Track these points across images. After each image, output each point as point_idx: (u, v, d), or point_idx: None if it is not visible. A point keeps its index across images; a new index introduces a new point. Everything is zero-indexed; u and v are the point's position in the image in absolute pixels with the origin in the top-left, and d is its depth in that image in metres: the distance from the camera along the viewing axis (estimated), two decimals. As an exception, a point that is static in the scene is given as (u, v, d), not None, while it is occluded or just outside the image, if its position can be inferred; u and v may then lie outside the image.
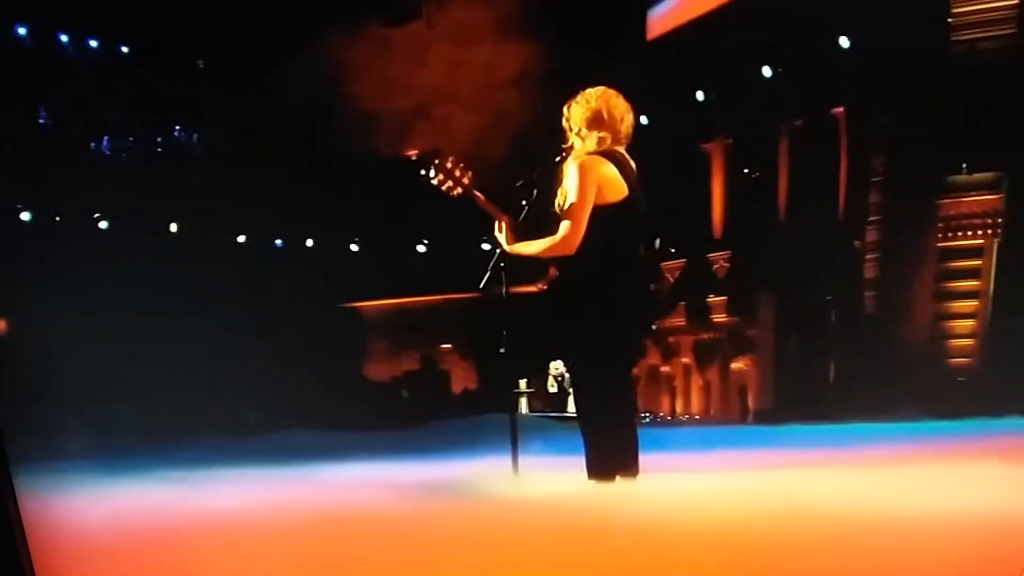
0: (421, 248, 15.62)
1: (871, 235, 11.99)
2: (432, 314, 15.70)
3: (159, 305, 11.83)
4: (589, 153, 3.87)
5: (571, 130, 3.96)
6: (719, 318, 12.33)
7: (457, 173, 4.13)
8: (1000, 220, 11.07)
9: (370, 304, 16.00)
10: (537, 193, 4.05)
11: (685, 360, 13.23)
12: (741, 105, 12.72)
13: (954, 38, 11.28)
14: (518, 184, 4.21)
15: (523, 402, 14.31)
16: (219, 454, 6.82)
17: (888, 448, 6.39)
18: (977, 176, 11.24)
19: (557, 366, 14.58)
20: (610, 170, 3.81)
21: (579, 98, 3.97)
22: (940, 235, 11.45)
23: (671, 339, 13.17)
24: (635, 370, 13.92)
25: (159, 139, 15.20)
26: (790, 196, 12.88)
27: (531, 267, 4.15)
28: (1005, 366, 10.08)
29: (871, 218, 12.02)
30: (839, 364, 11.62)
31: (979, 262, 11.19)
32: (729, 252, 13.06)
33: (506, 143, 12.37)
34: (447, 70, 12.41)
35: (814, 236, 12.33)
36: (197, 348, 11.58)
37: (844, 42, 11.72)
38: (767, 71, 12.28)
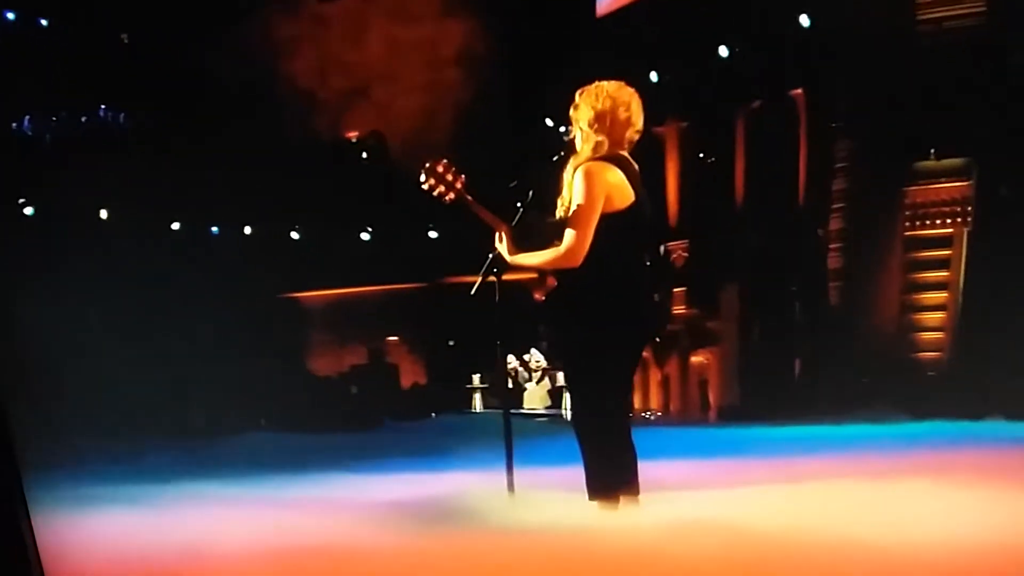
0: (365, 236, 15.22)
1: (835, 223, 11.60)
2: (377, 305, 15.34)
3: (85, 298, 11.20)
4: (592, 158, 3.67)
5: (576, 122, 3.75)
6: (678, 309, 11.89)
7: (449, 177, 3.88)
8: (970, 208, 10.74)
9: (312, 295, 15.64)
10: (532, 195, 3.82)
11: (643, 353, 12.55)
12: (696, 86, 12.44)
13: (920, 16, 10.87)
14: (511, 185, 3.96)
15: (477, 399, 14.10)
16: (175, 465, 6.63)
17: (866, 456, 6.14)
18: (946, 162, 10.87)
19: (512, 361, 14.17)
20: (617, 177, 3.64)
21: (592, 89, 3.76)
22: (907, 224, 11.09)
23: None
24: None
25: (84, 119, 14.31)
26: (748, 182, 12.44)
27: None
28: (977, 360, 9.86)
29: (835, 206, 11.64)
30: (804, 358, 11.20)
31: (948, 252, 10.85)
32: (687, 241, 12.59)
33: (452, 126, 11.85)
34: (387, 48, 11.67)
35: (775, 224, 11.84)
36: (129, 344, 11.05)
37: (804, 20, 11.30)
38: (724, 50, 11.87)
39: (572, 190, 3.64)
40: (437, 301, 14.90)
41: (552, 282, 3.77)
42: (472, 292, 3.91)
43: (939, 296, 10.89)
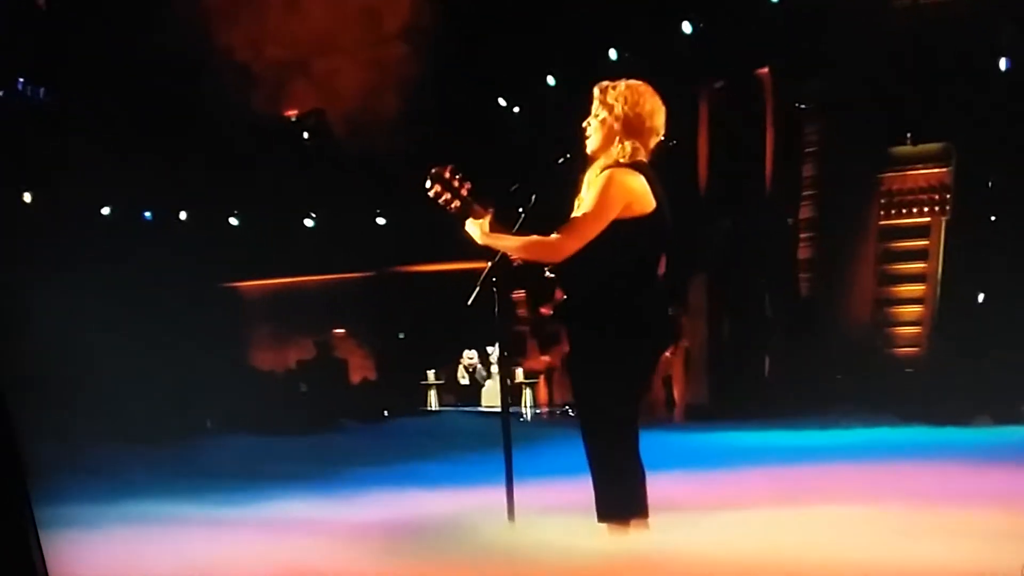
0: (308, 222, 14.48)
1: (805, 212, 11.22)
2: (322, 296, 14.69)
3: (11, 287, 10.17)
4: (625, 164, 3.50)
5: (597, 116, 3.55)
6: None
7: (456, 184, 3.67)
8: (948, 196, 10.42)
9: (253, 284, 14.99)
10: (535, 200, 3.64)
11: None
12: (657, 64, 11.37)
13: (895, -10, 10.55)
14: (512, 188, 3.76)
15: (432, 396, 13.53)
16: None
17: (852, 470, 5.86)
18: (922, 147, 10.57)
19: (471, 355, 13.53)
20: (640, 183, 3.48)
21: (624, 89, 3.57)
22: (882, 212, 10.78)
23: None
24: (549, 359, 13.25)
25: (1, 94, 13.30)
26: (713, 168, 11.84)
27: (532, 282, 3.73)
28: (957, 357, 9.47)
29: (805, 193, 11.21)
30: (775, 355, 10.65)
31: (925, 242, 10.52)
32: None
33: (400, 104, 11.15)
34: (326, 19, 10.91)
35: (742, 212, 11.25)
36: (54, 340, 10.12)
37: (771, -7, 10.78)
38: (687, 26, 11.31)
39: (592, 189, 3.49)
40: (386, 292, 14.35)
41: (559, 295, 3.65)
42: (469, 302, 3.73)
43: (916, 289, 10.60)
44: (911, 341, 10.53)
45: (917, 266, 10.56)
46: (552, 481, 5.09)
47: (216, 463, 7.43)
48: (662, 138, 3.58)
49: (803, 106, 11.22)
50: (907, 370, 10.23)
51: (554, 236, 3.45)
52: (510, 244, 3.61)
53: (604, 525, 3.54)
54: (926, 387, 9.48)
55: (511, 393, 13.29)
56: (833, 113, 10.86)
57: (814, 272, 11.02)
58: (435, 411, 13.43)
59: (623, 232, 3.43)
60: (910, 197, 10.56)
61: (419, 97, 11.26)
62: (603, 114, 3.55)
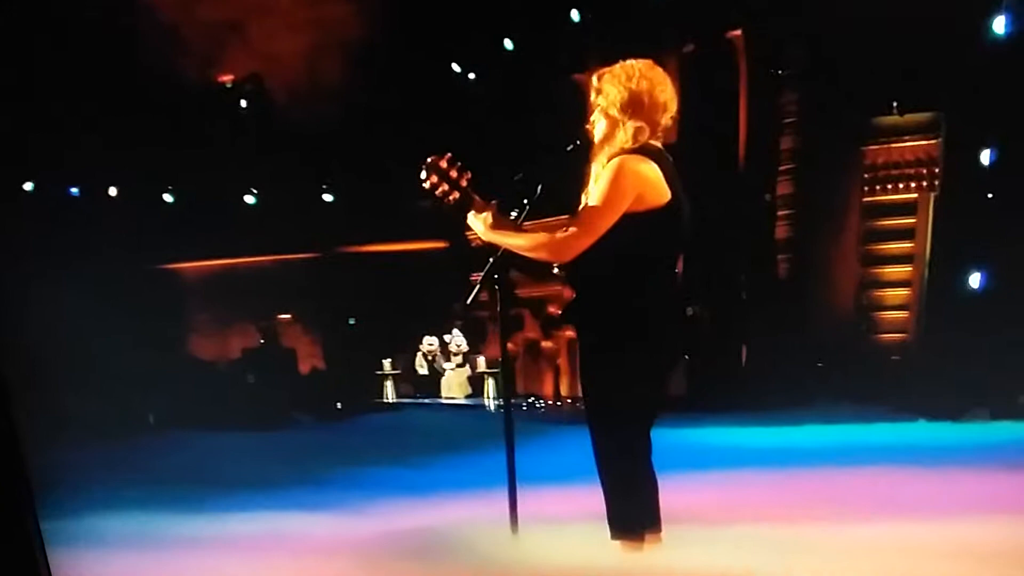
0: (249, 198, 13.79)
1: (783, 188, 10.60)
2: (266, 278, 13.86)
3: None
4: (631, 149, 3.35)
5: (598, 107, 3.43)
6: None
7: (454, 174, 3.52)
8: (937, 170, 9.88)
9: (190, 266, 14.18)
10: (541, 190, 3.50)
11: (570, 334, 11.64)
12: (621, 27, 11.28)
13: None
14: (515, 178, 3.65)
15: (388, 387, 13.13)
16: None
17: (843, 475, 5.61)
18: (910, 117, 10.00)
19: (430, 343, 12.89)
20: (653, 172, 3.31)
21: (617, 70, 3.45)
22: (866, 188, 10.25)
23: (552, 309, 11.56)
24: (514, 346, 12.68)
25: None
26: (682, 140, 10.86)
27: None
28: (947, 344, 8.93)
29: (783, 167, 10.61)
30: (752, 341, 10.02)
31: (912, 220, 10.00)
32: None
33: (342, 69, 10.38)
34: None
35: (715, 189, 10.51)
36: None
37: (743, -50, 10.40)
38: None
39: (600, 179, 3.33)
40: (334, 274, 13.60)
41: (569, 294, 3.52)
42: (468, 301, 3.62)
43: (902, 270, 10.11)
44: (897, 327, 10.06)
45: (903, 246, 10.07)
46: (550, 487, 4.86)
47: (167, 466, 7.08)
48: (673, 115, 3.39)
49: (779, 72, 10.63)
50: (894, 358, 9.76)
51: (563, 233, 3.28)
52: (517, 242, 3.43)
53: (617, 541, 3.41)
54: (915, 377, 9.01)
55: (475, 383, 12.96)
56: (812, 80, 10.32)
57: (793, 253, 10.46)
58: (392, 403, 12.89)
59: (636, 226, 3.24)
60: (896, 171, 10.04)
61: (365, 61, 10.70)
62: (600, 102, 3.44)
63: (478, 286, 3.55)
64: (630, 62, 3.42)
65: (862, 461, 6.05)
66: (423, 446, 7.83)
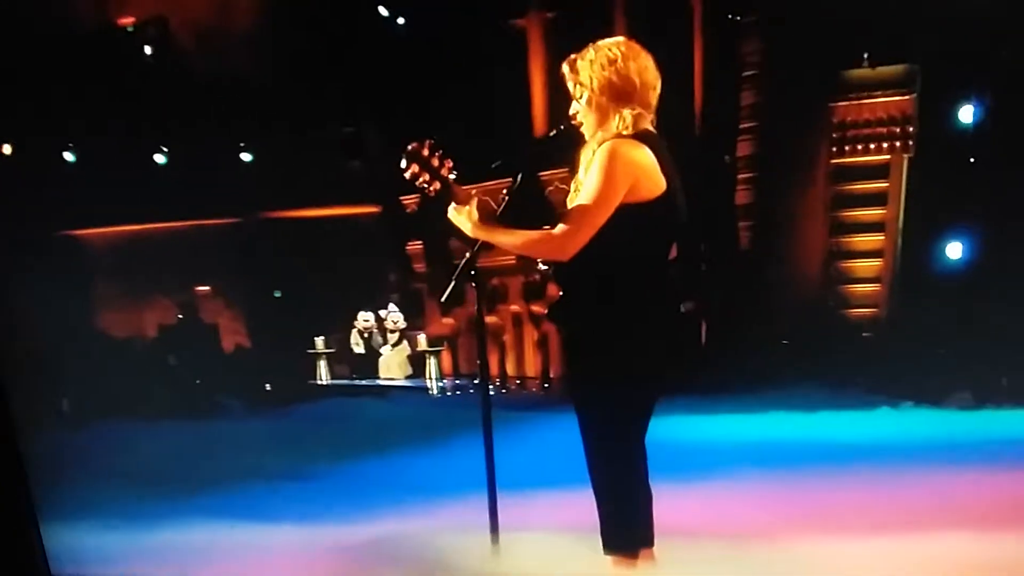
0: (159, 158, 12.92)
1: (743, 148, 9.93)
2: (180, 246, 12.94)
3: None
4: (627, 135, 3.15)
5: (579, 98, 3.22)
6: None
7: (435, 163, 3.33)
8: (911, 129, 9.27)
9: (95, 232, 13.27)
10: (522, 179, 3.32)
11: (515, 308, 11.14)
12: None
13: None
14: (493, 165, 3.54)
15: (322, 367, 12.44)
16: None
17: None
18: (882, 70, 9.35)
19: (366, 319, 12.10)
20: (648, 159, 3.11)
21: (593, 54, 3.22)
22: (834, 149, 9.59)
23: (496, 281, 10.94)
24: (455, 321, 11.99)
25: None
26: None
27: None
28: (923, 319, 8.43)
29: (743, 126, 9.95)
30: (712, 318, 9.41)
31: (885, 184, 9.41)
32: (566, 170, 10.23)
33: (257, 10, 9.42)
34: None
35: (668, 149, 9.67)
36: None
37: None
38: None
39: (590, 168, 3.14)
40: (256, 241, 12.68)
41: (555, 291, 3.35)
42: (443, 298, 3.41)
43: (874, 239, 9.52)
44: (869, 301, 9.49)
45: (875, 212, 9.47)
46: (530, 491, 4.61)
47: (90, 459, 6.51)
48: (658, 91, 3.23)
49: (738, 18, 9.95)
50: (865, 335, 9.20)
51: (558, 230, 3.12)
52: (508, 241, 3.27)
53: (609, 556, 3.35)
54: (889, 356, 8.44)
55: (415, 362, 12.13)
56: (775, 28, 9.65)
57: (754, 220, 9.78)
58: (328, 385, 12.16)
59: (629, 219, 3.10)
60: (867, 130, 9.41)
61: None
62: (584, 93, 3.25)
63: (453, 282, 3.37)
64: (606, 43, 3.25)
65: (844, 460, 5.71)
66: (374, 438, 7.34)
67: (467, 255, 3.32)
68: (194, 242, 12.84)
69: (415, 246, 12.48)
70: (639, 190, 3.09)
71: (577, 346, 3.26)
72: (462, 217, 3.28)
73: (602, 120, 3.21)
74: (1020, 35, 8.22)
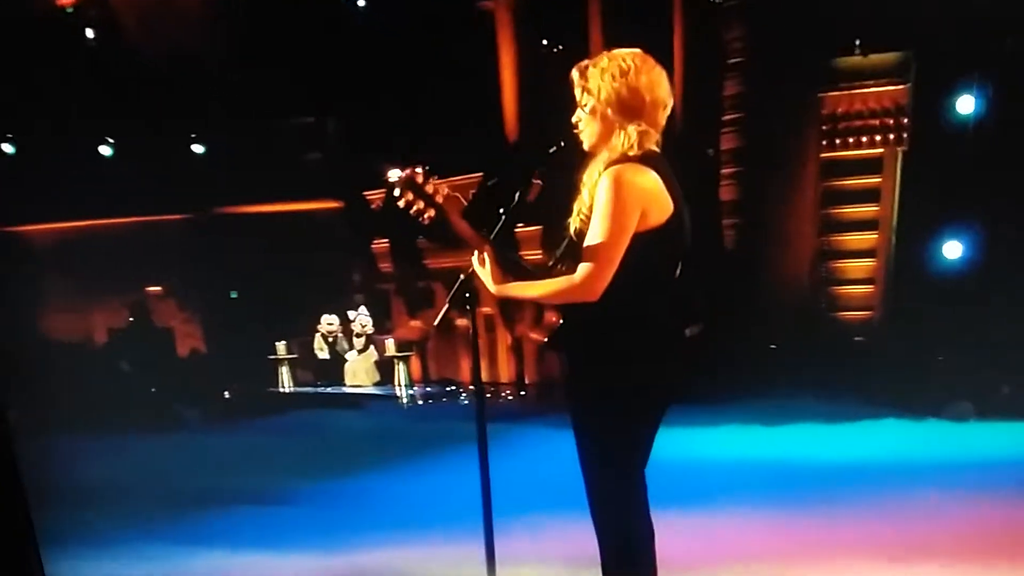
0: (105, 149, 12.49)
1: (728, 141, 9.67)
2: (130, 244, 12.37)
3: None
4: (625, 158, 3.02)
5: (584, 106, 3.10)
6: (531, 254, 9.23)
7: (429, 188, 3.26)
8: (906, 121, 8.97)
9: (39, 229, 12.77)
10: (520, 198, 3.21)
11: (487, 309, 10.51)
12: None
13: None
14: (489, 183, 2.50)
15: (284, 373, 11.98)
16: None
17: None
18: (875, 58, 9.12)
19: (330, 322, 11.61)
20: (655, 183, 3.00)
21: (606, 63, 3.08)
22: (824, 142, 9.38)
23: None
24: (424, 325, 11.48)
25: None
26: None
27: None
28: (918, 323, 8.06)
29: (727, 117, 9.67)
30: (695, 321, 8.65)
31: (878, 179, 9.18)
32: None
33: None
34: None
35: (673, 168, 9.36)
36: None
37: None
38: None
39: (596, 199, 3.03)
40: (210, 238, 12.16)
41: (554, 319, 3.24)
42: (435, 323, 3.53)
43: (867, 238, 9.29)
44: (862, 303, 9.22)
45: (867, 209, 9.25)
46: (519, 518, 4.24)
47: (34, 479, 5.58)
48: (668, 108, 3.10)
49: (720, 1, 9.63)
50: (857, 339, 8.87)
51: (579, 274, 3.00)
52: (532, 294, 3.18)
53: None
54: (884, 362, 8.02)
55: (383, 368, 11.56)
56: (760, 12, 9.33)
57: (740, 218, 9.55)
58: (290, 393, 11.70)
59: (636, 248, 2.99)
60: (858, 122, 9.18)
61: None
62: (590, 101, 3.10)
63: (447, 306, 3.37)
64: (620, 53, 3.12)
65: (840, 482, 5.45)
66: (345, 454, 6.95)
67: (460, 278, 3.28)
68: (144, 240, 12.34)
69: (381, 244, 11.94)
70: (648, 217, 2.98)
71: (580, 374, 3.15)
72: (484, 272, 3.24)
73: (605, 134, 3.10)
74: (1020, 20, 7.88)
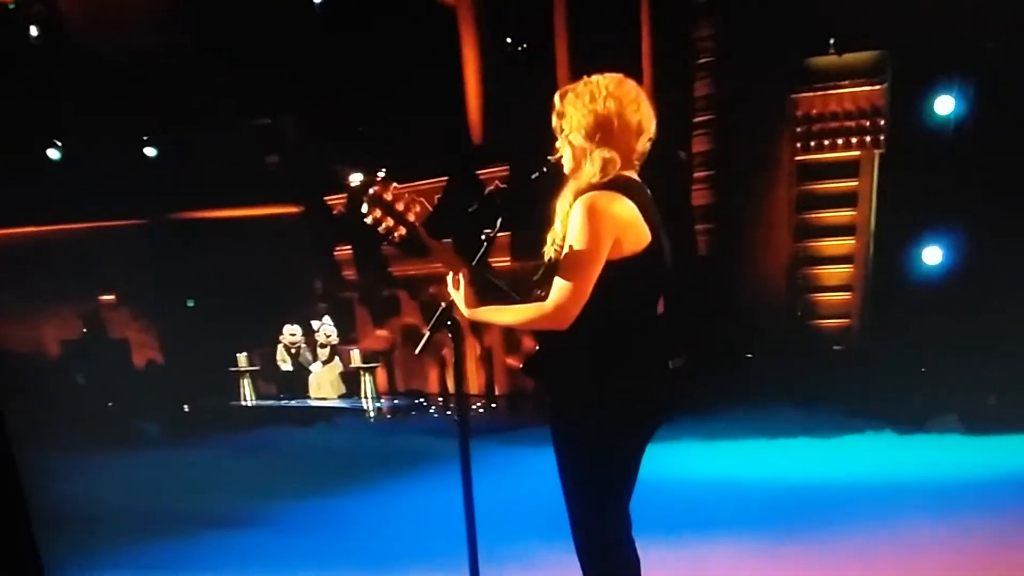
0: (53, 153, 12.13)
1: (699, 144, 9.33)
2: (81, 251, 12.03)
3: None
4: (599, 184, 2.97)
5: (564, 132, 3.06)
6: (500, 261, 9.16)
7: (400, 207, 3.15)
8: (882, 122, 8.69)
9: None
10: (502, 223, 3.13)
11: (457, 318, 9.91)
12: None
13: None
14: (470, 208, 3.45)
15: (246, 386, 11.65)
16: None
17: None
18: (850, 57, 8.81)
19: (292, 332, 11.27)
20: (629, 212, 2.93)
21: (580, 88, 3.04)
22: (798, 144, 9.10)
23: (434, 290, 10.18)
24: (390, 334, 11.19)
25: None
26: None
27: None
28: (899, 331, 7.84)
29: (698, 119, 9.34)
30: (668, 330, 8.35)
31: (855, 183, 8.89)
32: (507, 166, 9.70)
33: None
34: None
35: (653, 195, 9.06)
36: None
37: None
38: None
39: (568, 227, 2.99)
40: (163, 245, 11.72)
41: (531, 345, 3.25)
42: (417, 351, 3.25)
43: (843, 243, 9.02)
44: (839, 311, 8.92)
45: (844, 214, 8.96)
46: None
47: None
48: (652, 137, 3.01)
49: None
50: (836, 348, 8.58)
51: (550, 303, 2.92)
52: (503, 319, 3.12)
53: None
54: (863, 371, 7.78)
55: (348, 380, 11.17)
56: (731, 10, 9.05)
57: (713, 223, 9.22)
58: (252, 406, 11.33)
59: (611, 277, 2.92)
60: (834, 124, 8.89)
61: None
62: (564, 127, 3.06)
63: (427, 334, 3.22)
64: (595, 78, 3.08)
65: (822, 500, 5.25)
66: (312, 473, 6.68)
67: (442, 305, 3.16)
68: (95, 246, 11.96)
69: (344, 251, 11.51)
70: (622, 245, 2.86)
71: (556, 403, 3.05)
72: (458, 296, 3.15)
73: (575, 160, 3.04)
74: (1000, 19, 7.65)
